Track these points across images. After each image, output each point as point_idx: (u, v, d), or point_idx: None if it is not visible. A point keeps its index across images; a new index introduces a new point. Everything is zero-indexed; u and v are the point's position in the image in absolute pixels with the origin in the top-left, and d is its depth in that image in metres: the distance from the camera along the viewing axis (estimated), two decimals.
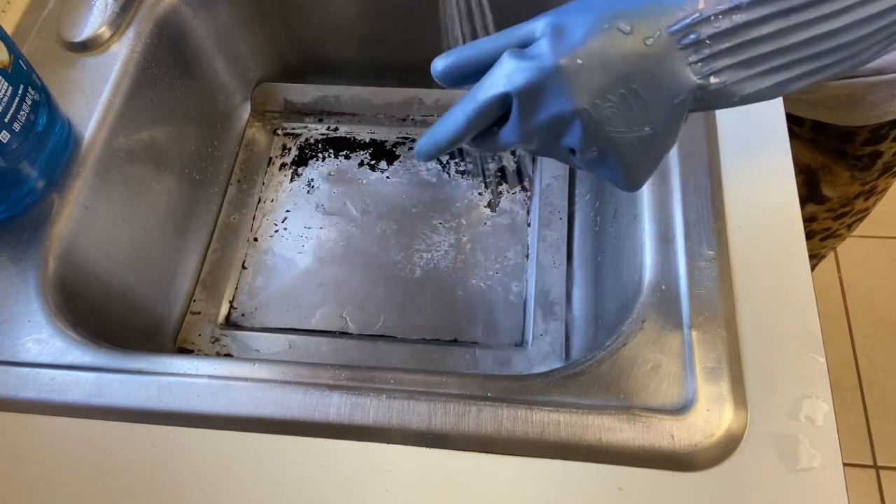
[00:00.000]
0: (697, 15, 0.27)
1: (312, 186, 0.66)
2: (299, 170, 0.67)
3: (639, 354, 0.39)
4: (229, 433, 0.39)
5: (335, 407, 0.38)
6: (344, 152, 0.68)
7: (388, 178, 0.66)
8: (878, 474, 1.15)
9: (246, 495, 0.37)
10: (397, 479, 0.37)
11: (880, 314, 1.28)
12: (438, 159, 0.66)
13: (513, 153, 0.66)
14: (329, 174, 0.67)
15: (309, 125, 0.70)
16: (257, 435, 0.39)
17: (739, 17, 0.27)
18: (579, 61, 0.28)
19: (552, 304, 0.57)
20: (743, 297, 0.41)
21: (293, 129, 0.70)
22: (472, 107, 0.30)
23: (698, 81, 0.28)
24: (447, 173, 0.65)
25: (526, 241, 0.61)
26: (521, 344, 0.56)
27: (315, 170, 0.67)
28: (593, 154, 0.30)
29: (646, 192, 0.45)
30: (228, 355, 0.57)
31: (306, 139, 0.69)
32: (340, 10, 0.65)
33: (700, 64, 0.28)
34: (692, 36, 0.27)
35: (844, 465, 0.36)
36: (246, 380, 0.40)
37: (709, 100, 0.29)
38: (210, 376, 0.40)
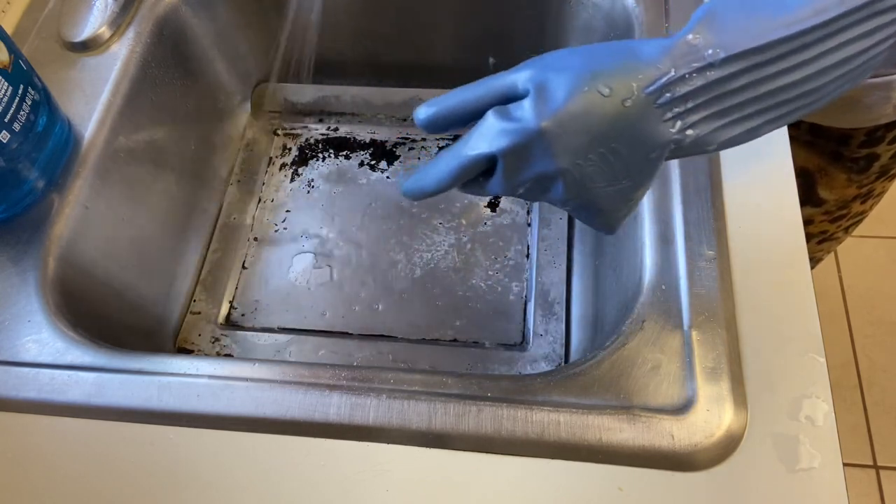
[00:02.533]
0: (672, 74, 0.28)
1: (312, 186, 0.66)
2: (299, 170, 0.67)
3: (639, 354, 0.39)
4: (229, 433, 0.39)
5: (335, 407, 0.38)
6: (344, 152, 0.68)
7: (388, 178, 0.66)
8: (878, 474, 1.15)
9: (246, 495, 0.37)
10: (397, 479, 0.37)
11: (880, 314, 1.28)
12: None
13: None
14: (329, 174, 0.67)
15: (309, 125, 0.70)
16: (257, 435, 0.39)
17: (713, 74, 0.28)
18: (561, 124, 0.29)
19: (552, 304, 0.57)
20: (743, 297, 0.41)
21: (293, 129, 0.70)
22: (458, 163, 0.31)
23: (675, 136, 0.29)
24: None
25: (526, 241, 0.61)
26: (521, 344, 0.56)
27: (315, 170, 0.67)
28: (574, 204, 0.32)
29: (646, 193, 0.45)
30: (228, 355, 0.57)
31: (306, 139, 0.69)
32: (340, 11, 0.65)
33: (676, 120, 0.29)
34: (668, 95, 0.28)
35: (844, 465, 0.36)
36: (246, 380, 0.40)
37: (685, 150, 0.30)
38: (210, 376, 0.40)
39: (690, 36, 0.28)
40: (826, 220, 0.74)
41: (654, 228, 0.43)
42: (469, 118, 0.32)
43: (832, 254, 1.34)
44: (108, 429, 0.40)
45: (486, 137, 0.30)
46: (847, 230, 0.77)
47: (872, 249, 1.35)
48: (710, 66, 0.28)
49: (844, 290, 1.31)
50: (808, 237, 0.78)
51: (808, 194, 0.70)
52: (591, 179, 0.30)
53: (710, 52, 0.28)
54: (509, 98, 0.31)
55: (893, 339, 1.26)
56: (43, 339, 0.42)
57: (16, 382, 0.41)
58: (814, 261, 0.87)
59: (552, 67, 0.30)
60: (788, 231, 0.42)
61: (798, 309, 0.40)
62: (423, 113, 0.32)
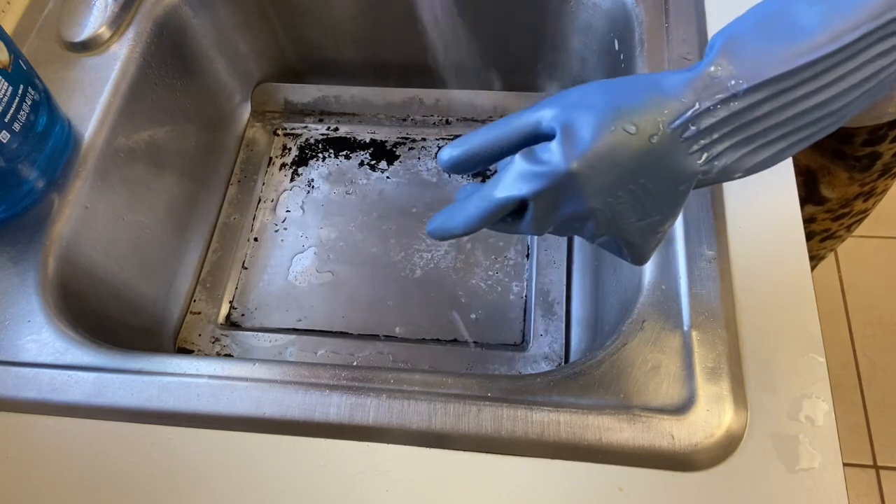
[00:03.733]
0: (697, 107, 0.28)
1: (312, 186, 0.66)
2: (299, 170, 0.67)
3: (639, 354, 0.39)
4: (229, 433, 0.39)
5: (335, 407, 0.38)
6: (344, 152, 0.68)
7: (388, 178, 0.66)
8: (878, 474, 1.15)
9: (246, 495, 0.37)
10: (397, 479, 0.37)
11: (880, 314, 1.28)
12: None
13: None
14: (329, 174, 0.67)
15: (309, 125, 0.70)
16: (257, 435, 0.39)
17: (736, 105, 0.28)
18: (591, 165, 0.29)
19: (552, 304, 0.57)
20: (743, 297, 0.41)
21: (293, 129, 0.70)
22: (488, 206, 0.31)
23: (702, 168, 0.29)
24: (447, 173, 0.65)
25: (526, 241, 0.61)
26: (521, 344, 0.56)
27: (315, 170, 0.67)
28: (605, 239, 0.32)
29: None
30: (228, 355, 0.57)
31: (306, 139, 0.69)
32: (340, 11, 0.65)
33: (702, 152, 0.29)
34: (693, 128, 0.28)
35: (844, 465, 0.36)
36: (246, 380, 0.40)
37: (712, 179, 0.30)
38: (210, 376, 0.40)
39: (712, 68, 0.28)
40: (828, 219, 0.74)
41: None
42: (493, 159, 0.32)
43: (832, 253, 1.34)
44: (108, 429, 0.40)
45: (517, 181, 0.30)
46: (849, 228, 0.77)
47: (872, 249, 1.35)
48: (734, 96, 0.28)
49: (844, 290, 1.31)
50: (811, 235, 0.78)
51: (810, 193, 0.70)
52: (621, 216, 0.31)
53: (732, 82, 0.28)
54: (534, 138, 0.31)
55: (893, 339, 1.26)
56: (43, 339, 0.42)
57: (16, 382, 0.41)
58: (816, 259, 0.87)
59: (577, 106, 0.30)
60: (788, 231, 0.42)
61: (798, 309, 0.40)
62: (446, 155, 0.32)
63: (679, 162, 0.29)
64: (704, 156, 0.29)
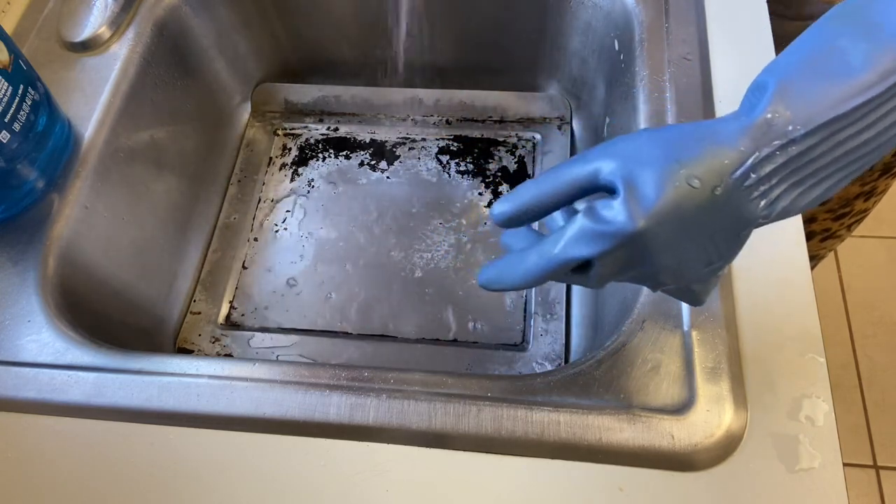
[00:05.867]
0: (757, 155, 0.28)
1: (312, 186, 0.66)
2: (299, 170, 0.67)
3: (639, 354, 0.39)
4: (229, 433, 0.39)
5: (335, 407, 0.38)
6: (344, 152, 0.68)
7: (388, 178, 0.66)
8: (878, 474, 1.15)
9: (246, 495, 0.37)
10: (397, 479, 0.37)
11: (880, 314, 1.28)
12: (439, 159, 0.66)
13: (511, 152, 0.66)
14: (329, 174, 0.67)
15: (309, 125, 0.70)
16: (257, 435, 0.39)
17: (794, 149, 0.28)
18: (658, 223, 0.28)
19: (552, 304, 0.57)
20: (743, 297, 0.41)
21: (293, 129, 0.70)
22: (549, 265, 0.30)
23: (763, 213, 0.29)
24: (447, 173, 0.65)
25: None
26: (521, 344, 0.56)
27: (315, 170, 0.67)
28: (670, 288, 0.33)
29: None
30: (228, 355, 0.57)
31: (306, 139, 0.69)
32: (340, 11, 0.65)
33: (762, 198, 0.29)
34: (753, 176, 0.28)
35: (844, 465, 0.36)
36: (246, 380, 0.40)
37: (770, 221, 0.30)
38: (210, 376, 0.40)
39: (769, 115, 0.28)
40: (829, 218, 0.74)
41: None
42: (546, 213, 0.32)
43: (832, 254, 1.34)
44: (108, 429, 0.40)
45: (581, 241, 0.29)
46: (850, 228, 0.77)
47: (872, 249, 1.35)
48: (792, 142, 0.28)
49: (844, 290, 1.31)
50: (811, 235, 0.78)
51: None
52: (688, 267, 0.30)
53: (790, 128, 0.27)
54: (589, 191, 0.30)
55: (893, 339, 1.26)
56: (43, 339, 0.42)
57: (16, 382, 0.41)
58: (816, 259, 0.87)
59: (636, 160, 0.29)
60: (788, 231, 0.42)
61: (798, 309, 0.40)
62: (498, 210, 0.32)
63: (742, 209, 0.29)
64: (764, 201, 0.29)
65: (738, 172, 0.28)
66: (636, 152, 0.29)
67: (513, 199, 0.31)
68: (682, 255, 0.30)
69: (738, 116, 0.29)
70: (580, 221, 0.29)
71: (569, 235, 0.30)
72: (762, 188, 0.28)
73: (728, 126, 0.29)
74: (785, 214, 0.30)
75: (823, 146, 0.28)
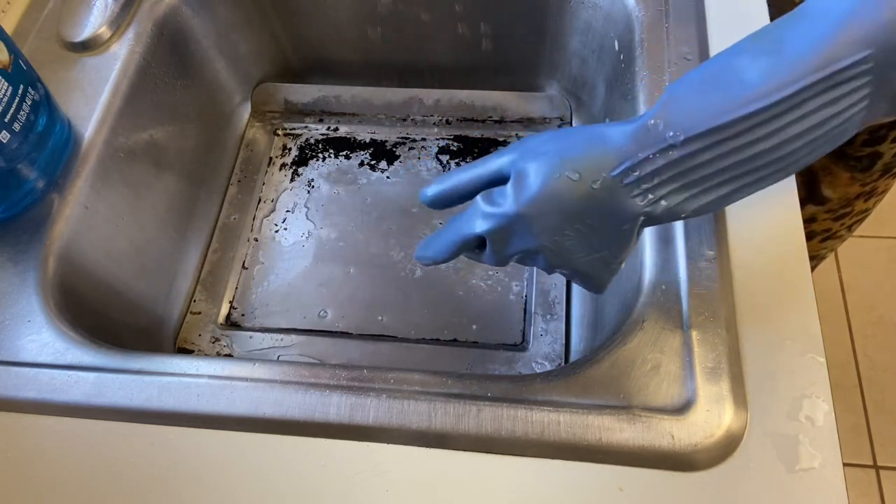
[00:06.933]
0: (638, 156, 0.30)
1: (312, 186, 0.66)
2: (299, 170, 0.67)
3: (639, 354, 0.39)
4: (229, 433, 0.39)
5: (335, 407, 0.38)
6: (344, 152, 0.68)
7: (388, 178, 0.66)
8: (878, 474, 1.15)
9: (245, 495, 0.37)
10: (397, 479, 0.37)
11: (880, 314, 1.28)
12: (439, 159, 0.66)
13: None
14: (329, 174, 0.67)
15: (309, 125, 0.70)
16: (257, 435, 0.39)
17: (674, 154, 0.30)
18: (537, 208, 0.32)
19: (552, 304, 0.57)
20: (743, 297, 0.41)
21: (293, 129, 0.70)
22: (454, 240, 0.36)
23: (644, 209, 0.31)
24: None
25: None
26: (521, 344, 0.56)
27: (315, 170, 0.67)
28: (561, 271, 0.36)
29: None
30: (228, 355, 0.57)
31: (306, 139, 0.69)
32: (340, 11, 0.65)
33: (645, 195, 0.31)
34: (634, 174, 0.31)
35: (844, 465, 0.36)
36: (246, 380, 0.40)
37: (658, 219, 0.32)
38: (210, 376, 0.40)
39: (651, 121, 0.30)
40: (829, 219, 0.74)
41: (654, 229, 0.43)
42: (467, 197, 0.37)
43: (832, 253, 1.34)
44: (108, 429, 0.40)
45: (476, 219, 0.35)
46: (850, 228, 0.77)
47: (872, 249, 1.35)
48: (672, 146, 0.30)
49: (844, 290, 1.31)
50: (812, 235, 0.78)
51: (811, 192, 0.70)
52: (569, 251, 0.34)
53: (670, 134, 0.29)
54: (497, 181, 0.35)
55: (893, 339, 1.26)
56: (43, 339, 0.42)
57: (16, 382, 0.41)
58: (817, 259, 0.87)
59: (530, 153, 0.33)
60: (788, 231, 0.42)
61: (798, 309, 0.40)
62: (428, 192, 0.38)
63: (622, 204, 0.31)
64: (648, 198, 0.31)
65: (617, 171, 0.31)
66: (535, 148, 0.33)
67: (439, 183, 0.37)
68: (563, 240, 0.33)
69: (628, 122, 0.31)
70: (478, 202, 0.34)
71: (469, 213, 0.35)
72: (643, 187, 0.31)
73: (617, 129, 0.31)
74: (674, 214, 0.31)
75: (708, 154, 0.29)
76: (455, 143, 0.67)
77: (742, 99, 0.28)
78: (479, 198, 0.35)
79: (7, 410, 0.41)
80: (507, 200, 0.33)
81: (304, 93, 0.70)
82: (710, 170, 0.30)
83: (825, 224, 0.75)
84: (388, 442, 0.38)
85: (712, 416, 0.36)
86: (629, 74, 0.52)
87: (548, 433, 0.37)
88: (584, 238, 0.33)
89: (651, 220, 0.32)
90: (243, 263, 0.62)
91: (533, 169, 0.32)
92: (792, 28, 0.28)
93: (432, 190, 0.37)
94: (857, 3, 0.26)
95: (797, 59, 0.27)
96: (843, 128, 0.29)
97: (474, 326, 0.57)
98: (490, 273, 0.59)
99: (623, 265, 0.36)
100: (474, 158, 0.66)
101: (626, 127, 0.31)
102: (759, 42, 0.29)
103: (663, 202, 0.31)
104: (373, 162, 0.67)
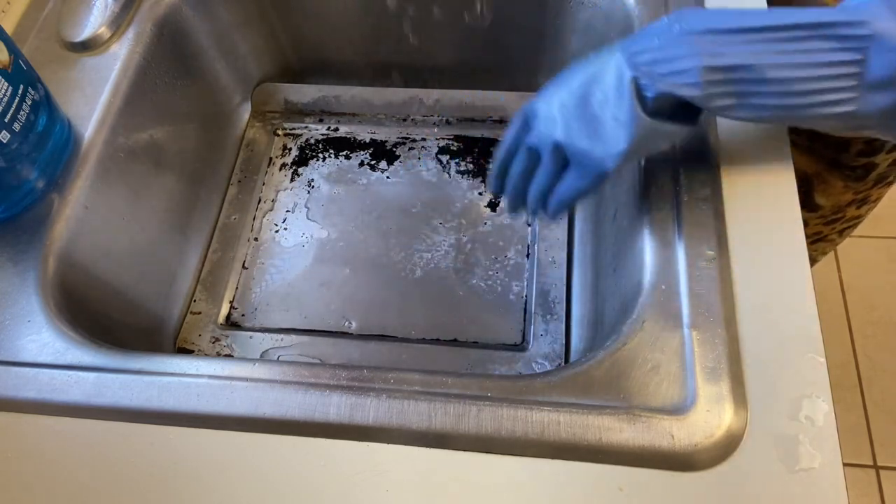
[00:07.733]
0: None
1: (312, 186, 0.66)
2: (299, 170, 0.67)
3: (638, 354, 0.39)
4: (229, 433, 0.39)
5: (335, 407, 0.38)
6: (344, 152, 0.68)
7: (388, 178, 0.66)
8: (878, 474, 1.15)
9: (245, 495, 0.37)
10: (397, 479, 0.37)
11: (880, 314, 1.28)
12: (439, 159, 0.66)
13: None
14: (329, 174, 0.67)
15: (309, 125, 0.70)
16: (257, 435, 0.39)
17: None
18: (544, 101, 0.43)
19: (552, 304, 0.57)
20: (743, 297, 0.40)
21: (293, 129, 0.70)
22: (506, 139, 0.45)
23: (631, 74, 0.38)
24: (447, 173, 0.65)
25: (526, 241, 0.61)
26: (521, 344, 0.56)
27: (315, 170, 0.67)
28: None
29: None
30: (228, 355, 0.57)
31: (306, 139, 0.69)
32: (340, 11, 0.65)
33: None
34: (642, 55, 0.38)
35: (844, 465, 0.36)
36: (246, 380, 0.40)
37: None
38: (210, 376, 0.40)
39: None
40: (820, 223, 0.74)
41: (653, 229, 0.43)
42: (508, 163, 0.45)
43: (832, 254, 1.34)
44: (108, 429, 0.40)
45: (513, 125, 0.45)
46: (841, 233, 0.77)
47: (872, 249, 1.35)
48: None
49: (844, 290, 1.31)
50: None
51: (804, 200, 0.70)
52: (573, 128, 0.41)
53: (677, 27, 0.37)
54: (522, 134, 0.44)
55: (893, 339, 1.26)
56: (43, 339, 0.42)
57: (16, 382, 0.41)
58: (809, 261, 0.86)
59: (531, 105, 0.44)
60: (788, 231, 0.42)
61: (798, 309, 0.40)
62: (490, 188, 0.48)
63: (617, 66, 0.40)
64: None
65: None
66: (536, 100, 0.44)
67: (490, 177, 0.47)
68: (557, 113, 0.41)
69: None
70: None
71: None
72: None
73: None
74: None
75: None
76: (455, 143, 0.67)
77: (746, 19, 0.35)
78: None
79: (7, 410, 0.41)
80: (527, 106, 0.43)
81: (304, 93, 0.70)
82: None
83: (816, 228, 0.75)
84: (388, 442, 0.38)
85: (712, 416, 0.36)
86: None
87: (548, 433, 0.37)
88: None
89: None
90: (243, 263, 0.62)
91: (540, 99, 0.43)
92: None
93: (490, 187, 0.48)
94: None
95: (793, 11, 0.34)
96: (838, 97, 0.34)
97: (474, 326, 0.57)
98: (490, 273, 0.59)
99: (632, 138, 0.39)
100: (474, 158, 0.66)
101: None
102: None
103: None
104: (373, 162, 0.67)
